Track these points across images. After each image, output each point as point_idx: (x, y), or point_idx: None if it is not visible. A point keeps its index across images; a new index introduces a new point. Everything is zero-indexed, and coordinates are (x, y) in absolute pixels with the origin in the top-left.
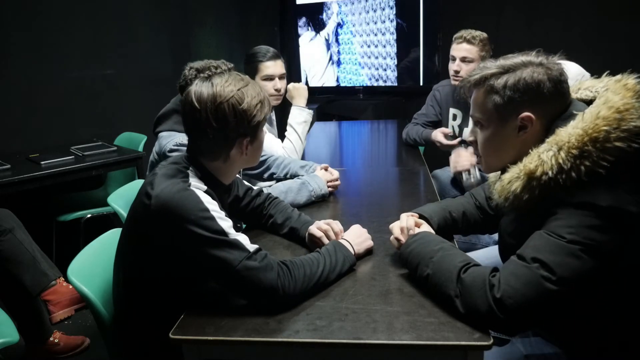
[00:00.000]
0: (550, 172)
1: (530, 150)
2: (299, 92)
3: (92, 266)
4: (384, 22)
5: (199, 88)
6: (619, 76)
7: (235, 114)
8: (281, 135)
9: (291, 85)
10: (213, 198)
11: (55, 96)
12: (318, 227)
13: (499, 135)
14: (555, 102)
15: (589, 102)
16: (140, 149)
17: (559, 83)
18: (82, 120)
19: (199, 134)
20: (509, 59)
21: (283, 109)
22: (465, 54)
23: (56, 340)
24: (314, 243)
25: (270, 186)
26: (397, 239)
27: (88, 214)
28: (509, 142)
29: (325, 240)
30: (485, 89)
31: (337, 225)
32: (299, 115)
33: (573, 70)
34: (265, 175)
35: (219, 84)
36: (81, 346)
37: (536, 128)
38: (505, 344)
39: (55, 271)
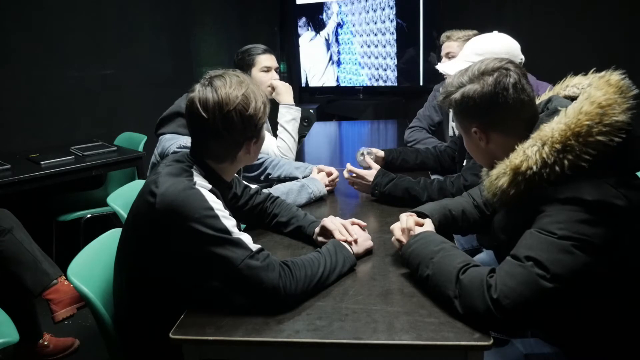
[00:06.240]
0: (534, 167)
1: (515, 147)
2: (284, 90)
3: (92, 266)
4: (384, 22)
5: (203, 95)
6: (603, 72)
7: (242, 119)
8: (273, 132)
9: (275, 82)
10: (217, 197)
11: (55, 96)
12: (332, 222)
13: (470, 145)
14: (508, 112)
15: (576, 99)
16: (140, 149)
17: (506, 92)
18: (82, 120)
19: (207, 140)
20: (466, 73)
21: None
22: (447, 50)
23: (45, 343)
24: (323, 235)
25: (269, 187)
26: (399, 240)
27: (88, 214)
28: (479, 150)
29: (338, 235)
30: (449, 105)
31: (353, 230)
32: (287, 114)
33: (498, 48)
34: (262, 177)
35: (222, 89)
36: (70, 348)
37: (497, 139)
38: (505, 344)
39: (57, 270)
